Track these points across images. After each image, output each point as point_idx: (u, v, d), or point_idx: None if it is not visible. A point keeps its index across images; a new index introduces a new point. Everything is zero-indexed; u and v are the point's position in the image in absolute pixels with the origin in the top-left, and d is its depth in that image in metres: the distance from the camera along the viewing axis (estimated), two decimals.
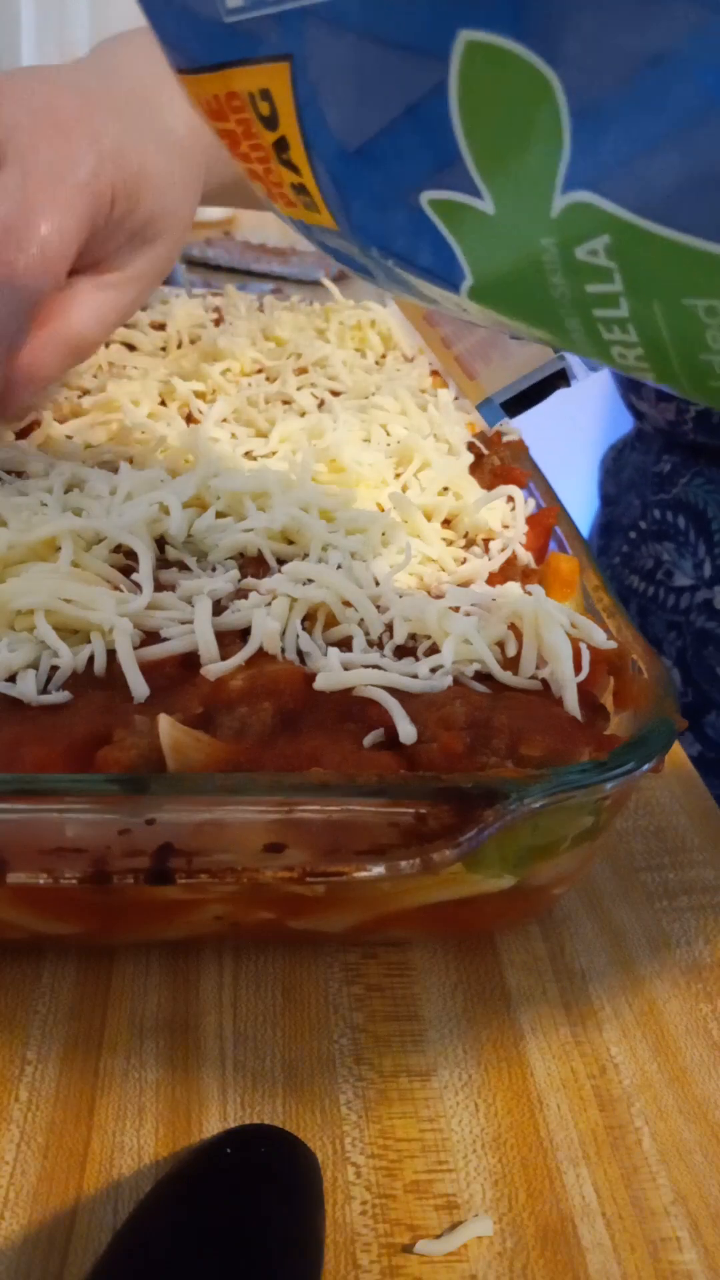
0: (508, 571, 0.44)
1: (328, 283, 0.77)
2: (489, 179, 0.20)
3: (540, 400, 0.32)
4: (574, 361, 0.30)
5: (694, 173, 0.17)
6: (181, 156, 0.53)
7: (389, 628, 0.39)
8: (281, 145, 0.23)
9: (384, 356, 0.69)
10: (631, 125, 0.17)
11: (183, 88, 0.24)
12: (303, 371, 0.64)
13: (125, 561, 0.41)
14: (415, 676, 0.36)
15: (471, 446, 0.55)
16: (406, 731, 0.33)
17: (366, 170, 0.22)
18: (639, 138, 0.17)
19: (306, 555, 0.43)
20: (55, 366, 0.49)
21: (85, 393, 0.59)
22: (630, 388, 0.72)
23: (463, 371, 0.33)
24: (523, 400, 0.32)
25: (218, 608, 0.39)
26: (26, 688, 0.34)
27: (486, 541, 0.47)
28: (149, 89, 0.54)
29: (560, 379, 0.32)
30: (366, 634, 0.38)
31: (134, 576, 0.40)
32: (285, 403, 0.59)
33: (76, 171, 0.45)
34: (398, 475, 0.50)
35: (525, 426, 0.61)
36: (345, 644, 0.38)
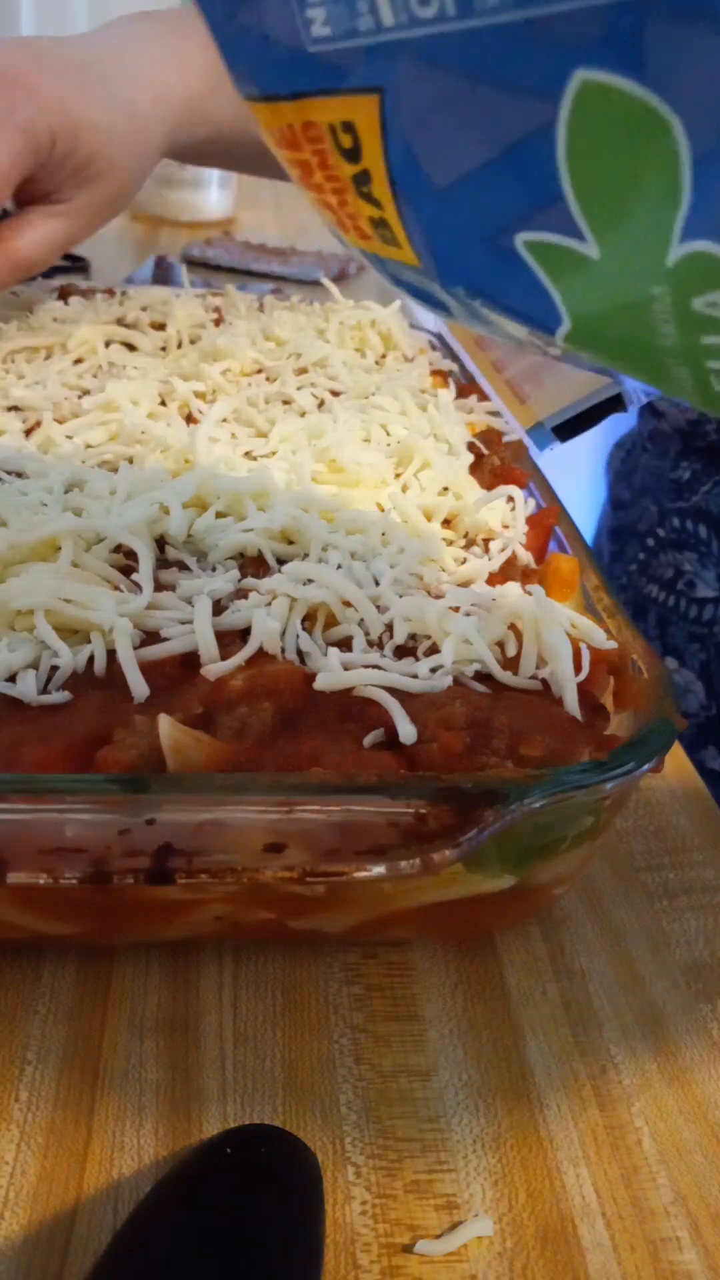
0: (508, 571, 0.44)
1: (327, 283, 0.77)
2: (595, 223, 0.19)
3: (593, 425, 0.31)
4: (631, 386, 0.29)
5: None
6: (131, 118, 0.64)
7: (389, 628, 0.39)
8: (363, 179, 0.22)
9: (384, 356, 0.69)
10: None
11: (252, 116, 0.23)
12: (303, 371, 0.64)
13: (125, 561, 0.41)
14: (415, 676, 0.36)
15: (471, 446, 0.55)
16: (406, 731, 0.33)
17: (458, 208, 0.21)
18: None
19: (306, 555, 0.43)
20: (3, 277, 0.60)
21: (85, 393, 0.59)
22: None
23: (514, 395, 0.32)
24: (575, 424, 0.31)
25: (218, 608, 0.39)
26: (26, 688, 0.34)
27: (486, 541, 0.47)
28: (113, 62, 0.66)
29: (616, 404, 0.31)
30: (366, 634, 0.38)
31: (134, 576, 0.40)
32: (285, 403, 0.59)
33: (15, 115, 0.57)
34: (398, 475, 0.50)
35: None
36: (345, 644, 0.38)
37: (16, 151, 0.57)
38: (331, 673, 0.35)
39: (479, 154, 0.19)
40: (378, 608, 0.39)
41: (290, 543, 0.44)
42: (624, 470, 0.82)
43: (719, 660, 0.69)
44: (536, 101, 0.18)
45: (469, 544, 0.47)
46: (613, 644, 0.38)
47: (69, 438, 0.52)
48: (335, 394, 0.61)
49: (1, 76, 0.58)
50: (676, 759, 0.48)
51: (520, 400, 0.32)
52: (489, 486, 0.51)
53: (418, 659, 0.37)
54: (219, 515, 0.45)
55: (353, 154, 0.21)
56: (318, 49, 0.20)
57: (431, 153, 0.20)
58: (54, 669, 0.35)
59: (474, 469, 0.52)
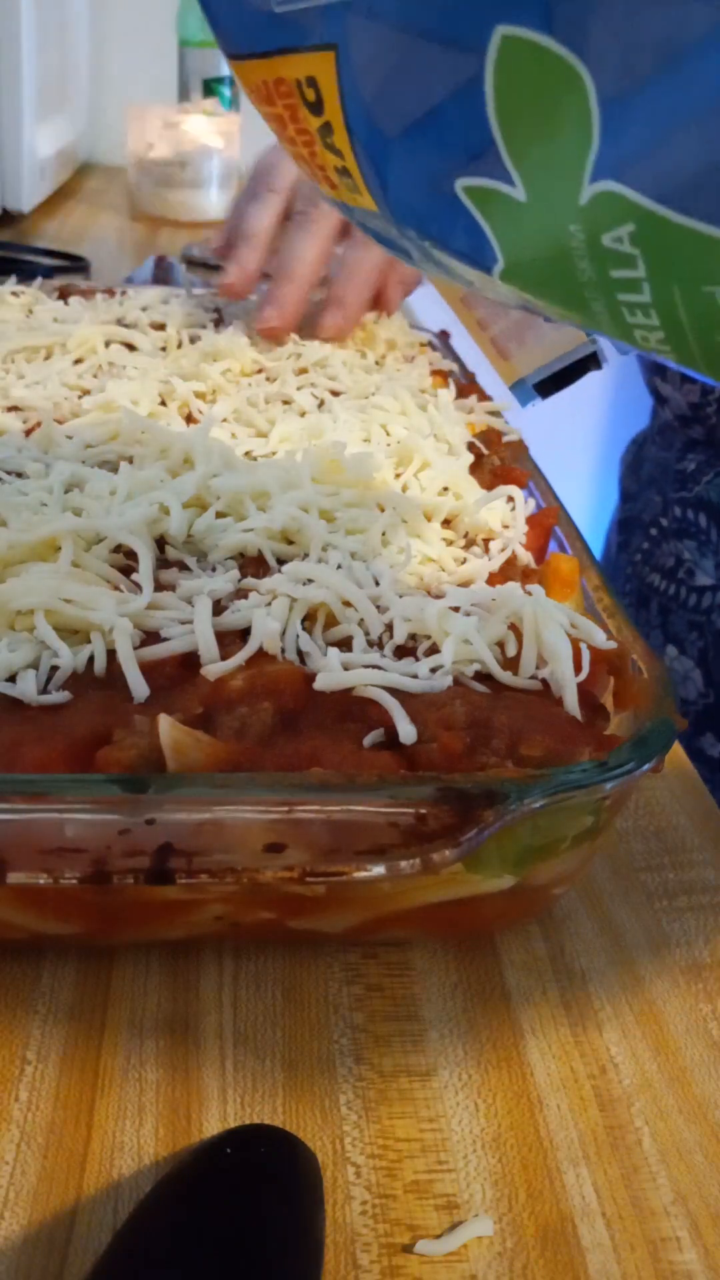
0: (508, 571, 0.44)
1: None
2: (521, 167, 0.21)
3: (571, 382, 0.33)
4: (605, 344, 0.32)
5: (713, 162, 0.18)
6: None
7: (389, 628, 0.39)
8: (326, 130, 0.24)
9: (384, 356, 0.69)
10: (655, 116, 0.18)
11: (235, 74, 0.26)
12: (303, 371, 0.64)
13: (125, 561, 0.41)
14: (415, 676, 0.36)
15: (471, 446, 0.55)
16: (406, 731, 0.33)
17: (405, 156, 0.23)
18: (662, 128, 0.18)
19: (306, 555, 0.43)
20: (363, 294, 0.68)
21: (85, 393, 0.59)
22: (654, 371, 0.72)
23: (497, 352, 0.34)
24: (555, 382, 0.34)
25: (218, 608, 0.39)
26: (26, 688, 0.34)
27: (486, 541, 0.47)
28: None
29: (592, 361, 0.33)
30: (366, 634, 0.38)
31: (134, 576, 0.40)
32: (285, 403, 0.59)
33: (277, 180, 0.66)
34: (398, 475, 0.50)
35: (525, 426, 0.61)
36: (345, 644, 0.38)
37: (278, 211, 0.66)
38: (331, 673, 0.35)
39: (420, 105, 0.21)
40: (378, 608, 0.39)
41: (290, 543, 0.44)
42: (634, 463, 0.82)
43: (716, 648, 0.69)
44: (464, 55, 0.20)
45: (469, 544, 0.47)
46: (613, 644, 0.38)
47: (69, 438, 0.52)
48: (335, 394, 0.61)
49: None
50: (677, 759, 0.48)
51: (504, 357, 0.34)
52: (489, 486, 0.51)
53: (418, 659, 0.37)
54: (219, 515, 0.45)
55: (316, 107, 0.24)
56: (281, 9, 0.23)
57: (380, 104, 0.22)
58: (54, 669, 0.35)
59: (474, 469, 0.52)
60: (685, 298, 0.20)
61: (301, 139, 0.25)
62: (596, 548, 0.89)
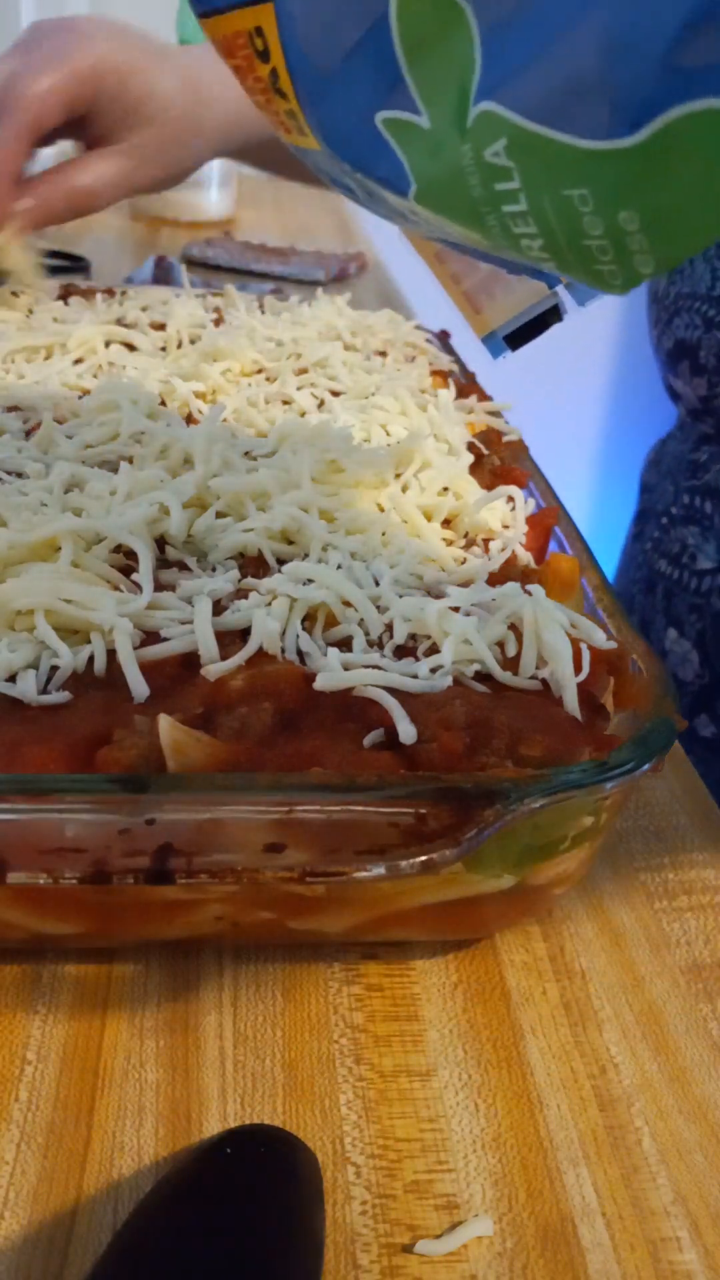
0: (508, 571, 0.44)
1: (328, 285, 0.77)
2: (425, 97, 0.24)
3: (537, 334, 0.36)
4: (565, 298, 0.35)
5: (564, 79, 0.21)
6: (186, 77, 0.74)
7: (389, 628, 0.39)
8: (274, 76, 0.28)
9: (384, 355, 0.69)
10: (521, 41, 0.22)
11: (205, 32, 0.30)
12: (303, 371, 0.64)
13: (125, 561, 0.41)
14: (415, 676, 0.36)
15: (471, 446, 0.55)
16: (406, 731, 0.33)
17: (335, 95, 0.27)
18: (526, 53, 0.22)
19: (306, 555, 0.43)
20: (60, 206, 0.68)
21: (85, 393, 0.59)
22: (668, 368, 0.73)
23: (470, 306, 0.37)
24: (522, 334, 0.36)
25: (218, 608, 0.39)
26: (26, 688, 0.34)
27: (486, 541, 0.47)
28: (185, 49, 0.80)
29: (553, 314, 0.36)
30: (366, 634, 0.38)
31: (134, 576, 0.40)
32: (285, 403, 0.59)
33: (64, 56, 0.68)
34: (398, 475, 0.50)
35: (526, 427, 0.61)
36: (345, 644, 0.38)
37: (59, 83, 0.68)
38: (331, 673, 0.35)
39: (342, 45, 0.25)
40: (378, 608, 0.39)
41: (290, 543, 0.44)
42: (656, 459, 0.84)
43: (714, 630, 0.70)
44: None
45: (469, 544, 0.47)
46: (613, 644, 0.38)
47: (69, 438, 0.52)
48: (335, 394, 0.61)
49: (60, 27, 0.70)
50: (677, 759, 0.48)
51: (476, 311, 0.37)
52: (489, 486, 0.51)
53: (418, 659, 0.37)
54: (219, 515, 0.45)
55: (264, 55, 0.28)
56: None
57: (311, 47, 0.26)
58: (54, 669, 0.35)
59: (474, 469, 0.52)
60: (552, 203, 0.23)
61: (258, 87, 0.29)
62: (609, 546, 0.90)
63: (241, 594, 0.40)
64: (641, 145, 0.21)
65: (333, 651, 0.36)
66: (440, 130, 0.24)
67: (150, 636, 0.37)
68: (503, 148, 0.23)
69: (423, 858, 0.29)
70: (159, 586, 0.40)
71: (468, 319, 0.38)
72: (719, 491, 0.70)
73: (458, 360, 0.71)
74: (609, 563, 0.90)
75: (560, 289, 0.35)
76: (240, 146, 0.83)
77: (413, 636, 0.38)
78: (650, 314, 0.76)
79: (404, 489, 0.48)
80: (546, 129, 0.22)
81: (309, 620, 0.39)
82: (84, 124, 0.73)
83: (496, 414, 0.62)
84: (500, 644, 0.38)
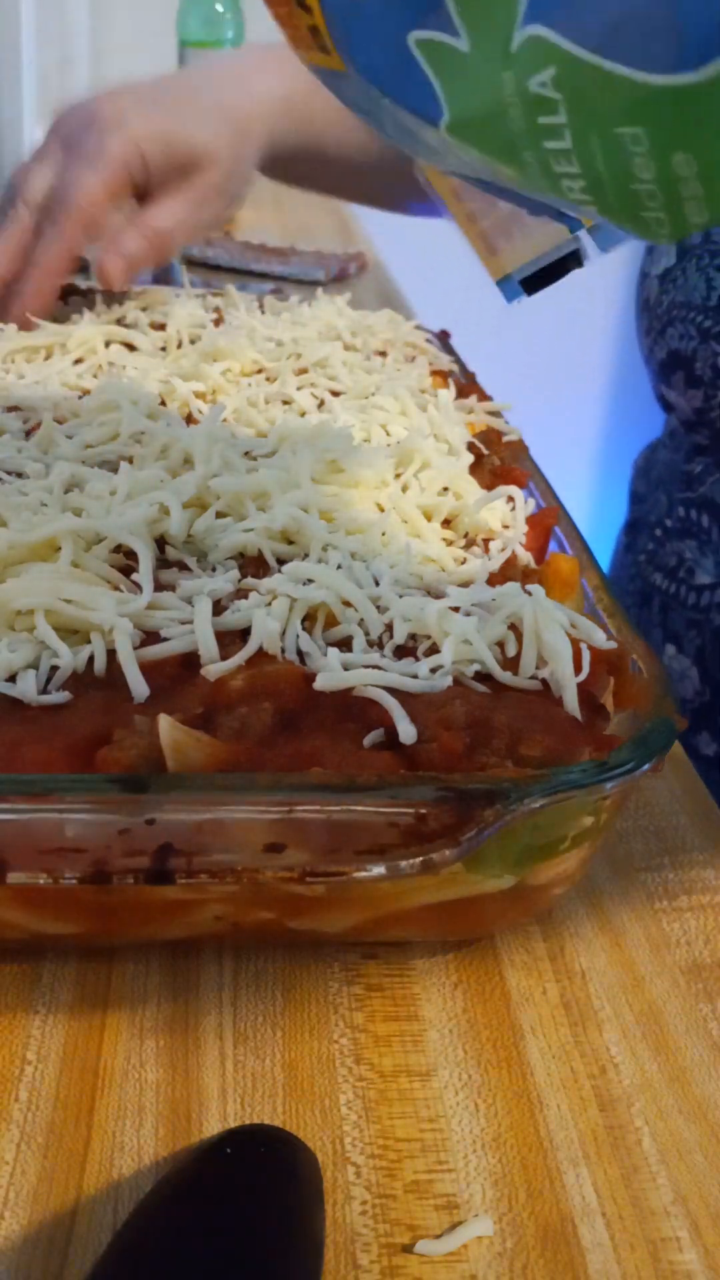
0: (508, 571, 0.44)
1: (328, 285, 0.77)
2: (466, 18, 0.23)
3: (555, 280, 0.35)
4: (586, 243, 0.34)
5: (625, 4, 0.20)
6: (223, 117, 0.76)
7: (389, 628, 0.39)
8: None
9: (384, 355, 0.69)
10: None
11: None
12: (303, 371, 0.64)
13: (125, 561, 0.41)
14: (415, 676, 0.36)
15: (471, 446, 0.55)
16: (406, 731, 0.33)
17: (365, 12, 0.25)
18: None
19: (306, 555, 0.43)
20: (145, 253, 0.72)
21: (85, 393, 0.59)
22: (660, 379, 0.72)
23: (486, 247, 0.36)
24: (539, 278, 0.35)
25: (218, 608, 0.39)
26: (26, 688, 0.34)
27: (486, 541, 0.47)
28: (204, 76, 0.83)
29: (573, 259, 0.34)
30: (366, 634, 0.38)
31: (134, 576, 0.40)
32: (285, 403, 0.59)
33: (106, 151, 0.70)
34: (398, 475, 0.50)
35: (526, 427, 0.61)
36: (345, 644, 0.38)
37: (109, 179, 0.70)
38: (331, 673, 0.35)
39: None
40: (378, 608, 0.39)
41: (290, 543, 0.44)
42: (646, 467, 0.83)
43: (714, 646, 0.69)
44: None
45: (469, 544, 0.47)
46: (613, 644, 0.38)
47: (69, 438, 0.52)
48: (335, 394, 0.61)
49: (89, 122, 0.72)
50: (677, 759, 0.48)
51: (492, 253, 0.36)
52: (489, 486, 0.51)
53: (418, 659, 0.37)
54: (219, 515, 0.45)
55: None
56: None
57: None
58: (54, 669, 0.35)
59: (474, 469, 0.52)
60: (601, 141, 0.22)
61: (280, 1, 0.28)
62: (604, 550, 0.89)
63: (241, 594, 0.40)
64: (706, 83, 0.19)
65: (333, 651, 0.36)
66: (480, 55, 0.23)
67: (150, 636, 0.37)
68: (550, 78, 0.21)
69: (423, 858, 0.29)
70: (159, 586, 0.40)
71: (483, 260, 0.37)
72: (715, 504, 0.70)
73: (458, 360, 0.71)
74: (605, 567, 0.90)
75: (582, 233, 0.33)
76: (273, 161, 0.85)
77: (413, 636, 0.38)
78: (640, 323, 0.74)
79: (404, 489, 0.48)
80: (601, 58, 0.20)
81: (309, 620, 0.39)
82: (140, 190, 0.76)
83: (496, 414, 0.62)
84: (500, 644, 0.38)
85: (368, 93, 0.27)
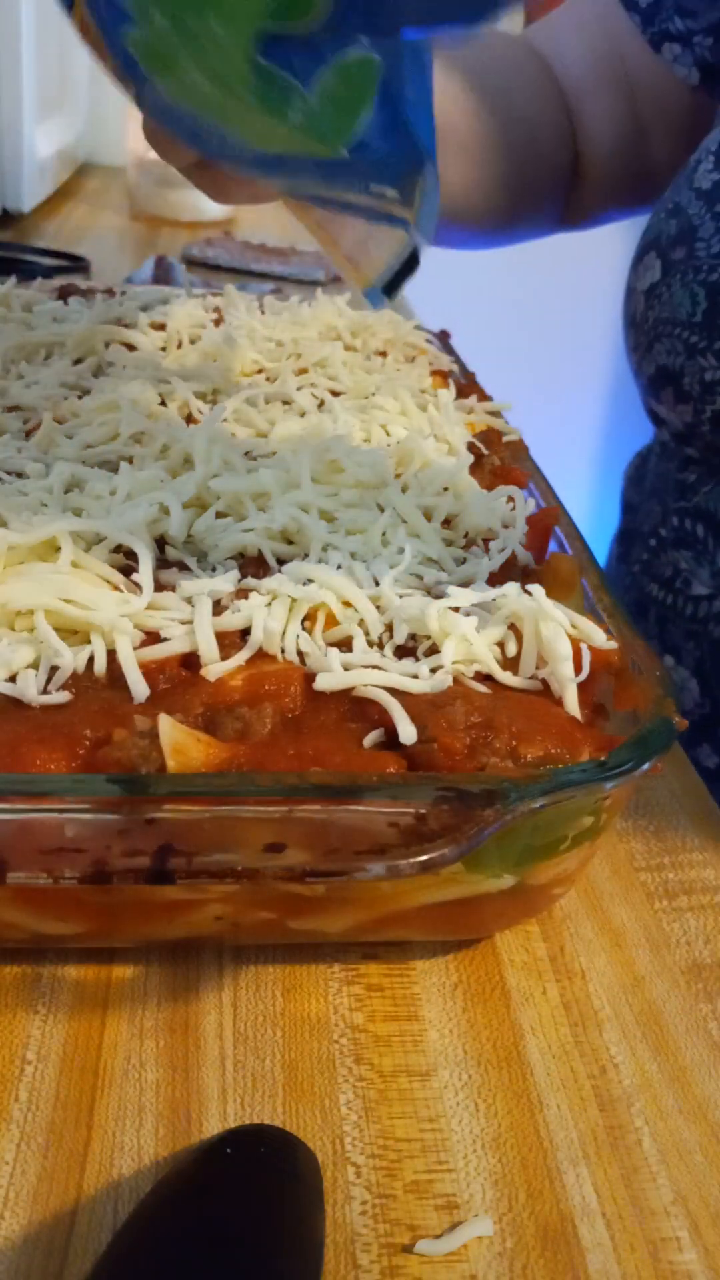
0: (508, 571, 0.44)
1: (328, 285, 0.77)
2: None
3: (407, 278, 0.41)
4: (418, 239, 0.39)
5: None
6: None
7: (389, 628, 0.39)
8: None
9: (384, 355, 0.69)
10: None
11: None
12: (303, 371, 0.64)
13: (125, 561, 0.41)
14: (415, 676, 0.36)
15: (471, 446, 0.55)
16: (406, 732, 0.33)
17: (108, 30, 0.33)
18: None
19: (306, 555, 0.43)
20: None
21: (85, 393, 0.59)
22: (650, 393, 0.71)
23: (349, 264, 0.41)
24: (395, 281, 0.41)
25: (218, 608, 0.39)
26: (26, 688, 0.34)
27: (486, 541, 0.47)
28: None
29: (415, 256, 0.40)
30: (366, 634, 0.38)
31: (134, 577, 0.40)
32: (285, 403, 0.59)
33: None
34: (398, 475, 0.50)
35: (526, 427, 0.61)
36: (345, 644, 0.38)
37: None
38: (331, 673, 0.35)
39: None
40: (378, 608, 0.39)
41: (290, 543, 0.44)
42: (637, 476, 0.82)
43: (713, 658, 0.69)
44: None
45: (469, 544, 0.47)
46: (613, 644, 0.38)
47: (69, 438, 0.52)
48: (335, 394, 0.61)
49: None
50: (676, 759, 0.48)
51: (356, 268, 0.42)
52: (489, 486, 0.51)
53: (418, 659, 0.37)
54: (219, 515, 0.45)
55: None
56: None
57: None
58: (54, 669, 0.35)
59: (474, 469, 0.52)
60: None
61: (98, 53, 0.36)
62: (599, 557, 0.88)
63: (241, 594, 0.40)
64: None
65: (333, 651, 0.36)
66: None
67: (150, 636, 0.37)
68: None
69: (423, 858, 0.29)
70: (159, 586, 0.40)
71: (350, 277, 0.42)
72: (710, 514, 0.69)
73: (458, 360, 0.71)
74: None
75: (411, 229, 0.38)
76: None
77: (413, 636, 0.38)
78: (628, 339, 0.73)
79: (404, 489, 0.48)
80: None
81: (309, 620, 0.39)
82: None
83: (496, 414, 0.62)
84: (500, 644, 0.38)
85: (114, 54, 0.35)
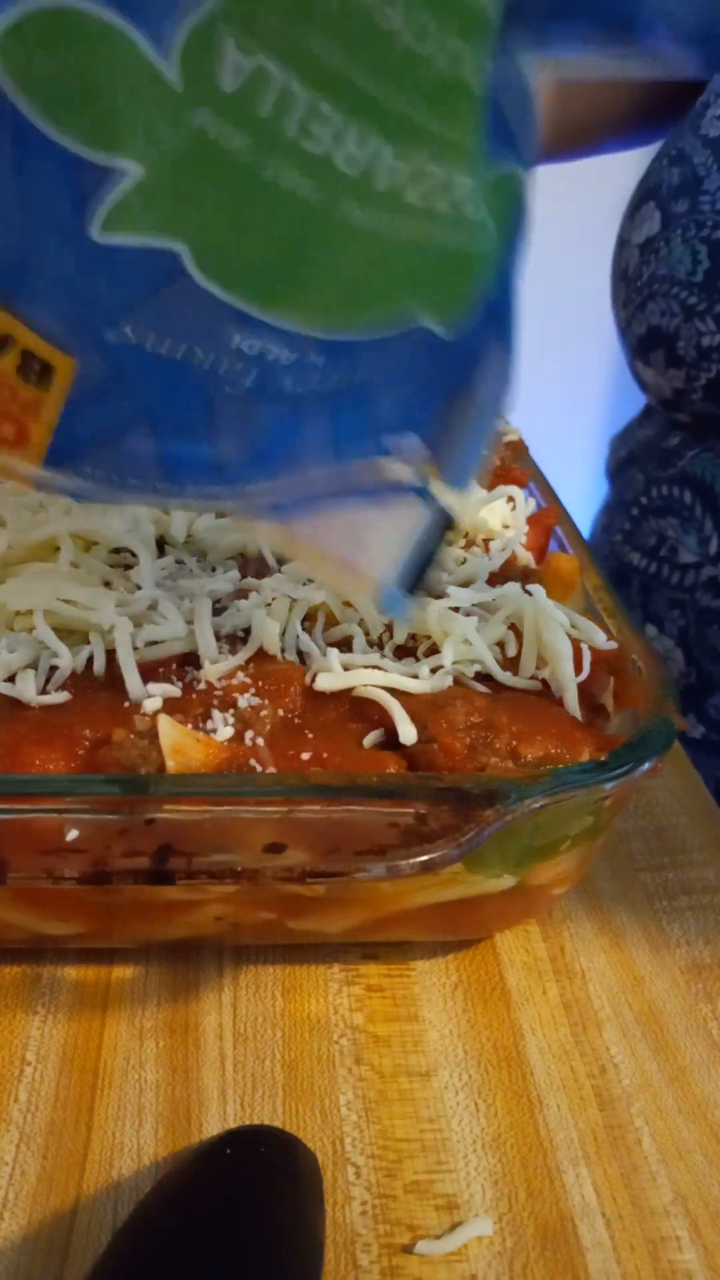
0: (508, 571, 0.44)
1: None
2: (112, 142, 0.20)
3: (433, 560, 0.28)
4: (444, 499, 0.27)
5: None
6: None
7: (389, 628, 0.39)
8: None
9: None
10: None
11: None
12: None
13: (125, 562, 0.41)
14: (415, 676, 0.36)
15: None
16: (406, 732, 0.33)
17: (39, 269, 0.22)
18: None
19: None
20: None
21: None
22: (637, 354, 0.69)
23: (346, 571, 0.29)
24: (416, 570, 0.28)
25: (218, 608, 0.39)
26: (26, 688, 0.34)
27: (486, 541, 0.47)
28: None
29: (445, 525, 0.28)
30: (366, 634, 0.38)
31: (134, 576, 0.40)
32: None
33: None
34: None
35: (526, 427, 0.61)
36: (345, 644, 0.38)
37: None
38: (331, 673, 0.35)
39: None
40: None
41: None
42: (619, 446, 0.80)
43: (698, 626, 0.67)
44: None
45: (469, 544, 0.47)
46: (613, 644, 0.38)
47: None
48: None
49: None
50: (676, 759, 0.48)
51: (356, 573, 0.28)
52: (489, 486, 0.51)
53: (418, 659, 0.37)
54: (219, 516, 0.45)
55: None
56: None
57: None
58: (54, 669, 0.35)
59: None
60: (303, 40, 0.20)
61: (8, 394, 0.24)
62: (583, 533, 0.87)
63: (241, 594, 0.40)
64: None
65: (333, 651, 0.36)
66: (155, 145, 0.20)
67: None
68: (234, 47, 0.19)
69: (423, 858, 0.29)
70: (158, 587, 0.40)
71: (352, 588, 0.30)
72: (697, 480, 0.67)
73: None
74: None
75: (433, 488, 0.27)
76: None
77: (413, 636, 0.38)
78: (617, 293, 0.69)
79: None
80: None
81: (309, 620, 0.39)
82: None
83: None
84: (500, 644, 0.38)
85: (113, 366, 0.23)
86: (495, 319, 0.25)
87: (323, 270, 0.22)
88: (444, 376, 0.25)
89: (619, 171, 0.81)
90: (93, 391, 0.24)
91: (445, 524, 0.28)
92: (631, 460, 0.75)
